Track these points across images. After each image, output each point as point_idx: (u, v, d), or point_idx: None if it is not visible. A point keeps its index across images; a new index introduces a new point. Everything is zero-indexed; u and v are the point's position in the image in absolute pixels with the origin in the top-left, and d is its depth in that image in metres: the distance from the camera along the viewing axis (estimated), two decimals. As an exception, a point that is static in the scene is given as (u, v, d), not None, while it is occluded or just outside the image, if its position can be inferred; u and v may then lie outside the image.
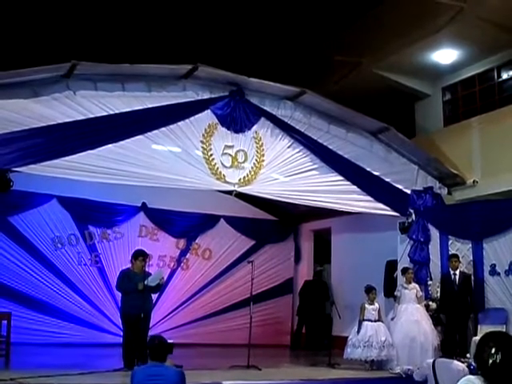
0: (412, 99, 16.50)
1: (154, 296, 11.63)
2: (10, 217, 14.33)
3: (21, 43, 15.55)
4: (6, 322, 10.64)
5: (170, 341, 7.52)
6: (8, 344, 10.50)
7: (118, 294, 11.36)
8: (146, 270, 10.85)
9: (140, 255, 10.95)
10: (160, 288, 11.30)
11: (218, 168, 11.50)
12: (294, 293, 17.49)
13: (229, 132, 11.72)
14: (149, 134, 10.98)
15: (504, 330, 10.53)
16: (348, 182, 12.67)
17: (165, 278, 12.46)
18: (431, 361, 8.13)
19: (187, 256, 16.62)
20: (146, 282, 10.44)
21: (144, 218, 16.09)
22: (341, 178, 12.61)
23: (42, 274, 14.55)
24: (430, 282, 12.66)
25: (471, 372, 6.92)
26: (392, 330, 11.68)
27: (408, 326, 11.61)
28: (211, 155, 11.47)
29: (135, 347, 10.13)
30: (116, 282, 11.09)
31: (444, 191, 13.65)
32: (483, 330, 10.67)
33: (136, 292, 10.47)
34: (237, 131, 11.77)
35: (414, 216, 13.10)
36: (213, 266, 16.78)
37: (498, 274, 11.70)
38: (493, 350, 3.28)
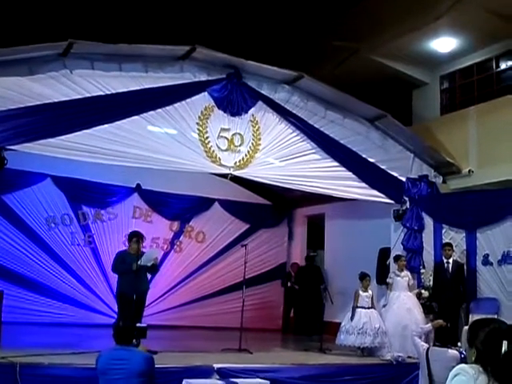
0: (410, 87, 16.47)
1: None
2: (3, 195, 14.30)
3: (18, 21, 15.42)
4: (-3, 300, 10.59)
5: (143, 324, 7.48)
6: (-1, 323, 10.47)
7: (111, 275, 11.36)
8: (143, 251, 10.87)
9: (134, 236, 10.94)
10: (156, 268, 11.25)
11: (213, 151, 11.43)
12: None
13: (225, 115, 11.63)
14: (145, 114, 10.90)
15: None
16: (343, 168, 12.62)
17: (159, 258, 12.43)
18: (426, 346, 8.16)
19: (181, 238, 16.64)
20: (139, 262, 10.44)
21: (138, 199, 16.08)
22: (336, 163, 12.56)
23: (34, 254, 14.53)
24: (422, 271, 12.69)
25: (462, 360, 6.95)
26: (384, 317, 11.71)
27: (400, 313, 11.64)
28: (207, 138, 11.40)
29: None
30: (112, 263, 11.10)
31: (439, 180, 13.64)
32: (475, 319, 10.69)
33: (130, 273, 10.47)
34: (233, 114, 11.68)
35: (408, 204, 13.08)
36: (206, 249, 16.80)
37: (491, 263, 11.74)
38: (505, 343, 3.27)
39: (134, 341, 6.62)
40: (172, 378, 8.58)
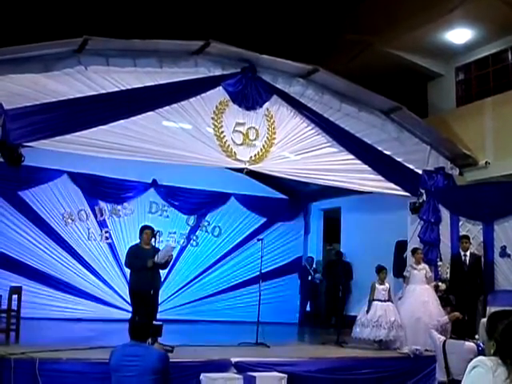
0: (425, 79, 16.38)
1: (163, 273, 11.64)
2: (20, 192, 14.38)
3: (33, 18, 15.49)
4: (16, 296, 10.65)
5: (158, 322, 7.40)
6: (18, 318, 10.53)
7: (128, 270, 11.36)
8: (155, 246, 10.86)
9: (145, 228, 10.97)
10: (168, 264, 11.27)
11: (228, 145, 11.43)
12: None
13: (240, 109, 11.62)
14: (160, 110, 10.91)
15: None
16: (359, 161, 12.57)
17: (173, 255, 12.41)
18: (443, 338, 8.13)
19: (197, 233, 16.67)
20: (156, 259, 10.44)
21: (154, 194, 16.11)
22: (352, 156, 12.51)
23: (52, 249, 14.62)
24: (439, 263, 12.66)
25: (479, 353, 6.92)
26: (399, 310, 11.67)
27: (414, 306, 11.60)
28: (222, 132, 11.40)
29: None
30: (125, 258, 11.13)
31: (455, 172, 13.56)
32: (492, 311, 10.63)
33: (145, 269, 10.47)
34: (248, 108, 11.67)
35: (424, 196, 13.03)
36: (222, 244, 16.83)
37: (508, 255, 11.70)
38: None
39: (150, 340, 6.55)
40: (190, 372, 8.62)
